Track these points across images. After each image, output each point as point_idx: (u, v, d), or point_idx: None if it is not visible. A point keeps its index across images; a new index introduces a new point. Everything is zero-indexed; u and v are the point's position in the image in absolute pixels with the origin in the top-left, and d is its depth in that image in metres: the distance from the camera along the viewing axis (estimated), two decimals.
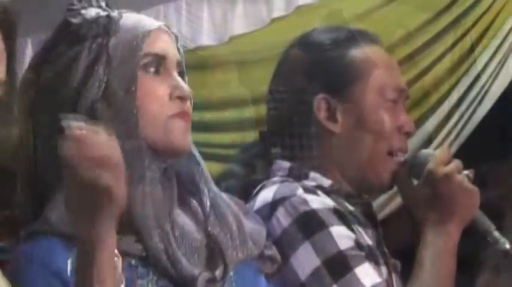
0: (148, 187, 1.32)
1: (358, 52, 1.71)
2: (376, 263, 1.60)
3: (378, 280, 1.55)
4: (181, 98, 1.37)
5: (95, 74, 1.32)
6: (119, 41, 1.34)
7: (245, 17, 3.40)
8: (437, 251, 1.61)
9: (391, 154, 1.68)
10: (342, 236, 1.55)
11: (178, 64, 1.41)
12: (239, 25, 3.40)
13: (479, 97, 3.12)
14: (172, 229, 1.33)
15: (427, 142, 3.14)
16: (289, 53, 1.76)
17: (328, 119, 1.68)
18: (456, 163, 1.65)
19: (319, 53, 1.71)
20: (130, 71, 1.34)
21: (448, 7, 3.15)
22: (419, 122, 3.18)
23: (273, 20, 3.35)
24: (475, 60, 3.13)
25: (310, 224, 1.55)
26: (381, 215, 3.09)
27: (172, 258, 1.31)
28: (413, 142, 2.86)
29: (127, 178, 1.25)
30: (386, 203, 3.16)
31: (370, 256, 1.58)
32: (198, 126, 3.03)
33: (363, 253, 1.56)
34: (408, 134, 1.71)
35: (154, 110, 1.35)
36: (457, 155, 3.09)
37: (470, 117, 3.14)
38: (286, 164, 1.68)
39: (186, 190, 1.40)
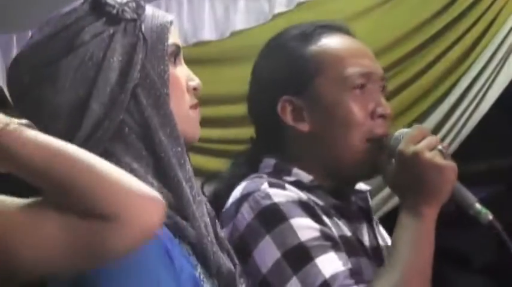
0: (188, 172, 1.33)
1: (315, 47, 1.69)
2: (354, 255, 1.59)
3: (341, 268, 1.53)
4: (195, 89, 1.39)
5: (136, 58, 1.31)
6: (149, 27, 1.34)
7: (247, 12, 3.40)
8: (412, 236, 1.55)
9: (369, 141, 1.65)
10: (303, 227, 1.55)
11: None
12: (241, 20, 3.40)
13: (479, 96, 3.13)
14: (206, 217, 1.34)
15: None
16: (259, 56, 1.76)
17: (296, 120, 1.67)
18: (428, 140, 1.58)
19: (279, 55, 1.72)
20: (162, 57, 1.34)
21: (447, 6, 3.15)
22: (420, 120, 3.18)
23: (275, 16, 3.35)
24: (475, 59, 3.13)
25: (271, 218, 1.56)
26: (384, 210, 3.12)
27: (212, 247, 1.31)
28: None
29: (170, 164, 1.28)
30: (388, 198, 3.16)
31: (339, 246, 1.57)
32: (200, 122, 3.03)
33: (327, 243, 1.55)
34: (384, 117, 1.66)
35: (178, 99, 1.35)
36: (457, 153, 3.15)
37: (470, 116, 3.15)
38: (272, 161, 1.69)
39: None
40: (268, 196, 1.57)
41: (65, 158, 1.07)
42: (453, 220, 2.09)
